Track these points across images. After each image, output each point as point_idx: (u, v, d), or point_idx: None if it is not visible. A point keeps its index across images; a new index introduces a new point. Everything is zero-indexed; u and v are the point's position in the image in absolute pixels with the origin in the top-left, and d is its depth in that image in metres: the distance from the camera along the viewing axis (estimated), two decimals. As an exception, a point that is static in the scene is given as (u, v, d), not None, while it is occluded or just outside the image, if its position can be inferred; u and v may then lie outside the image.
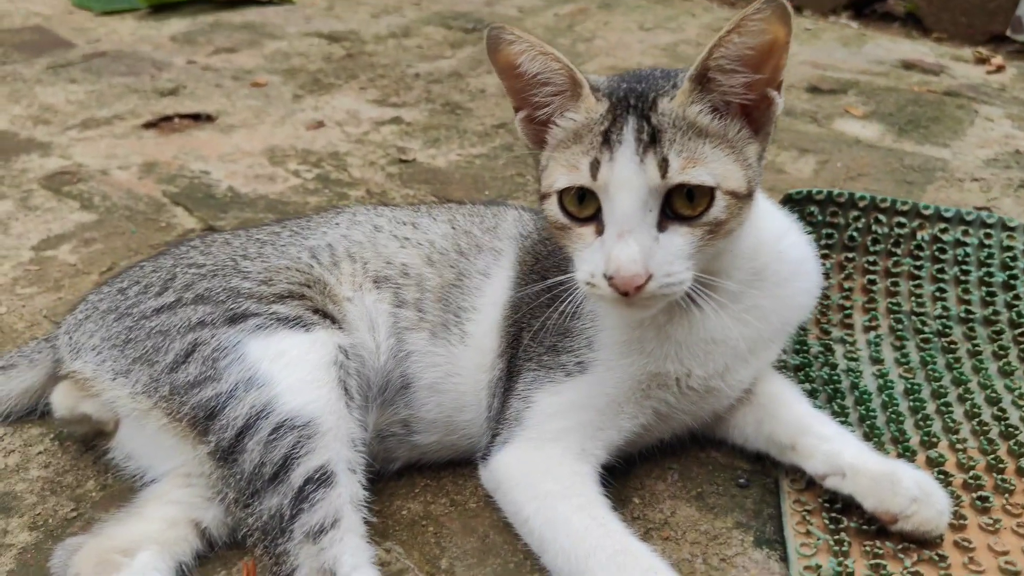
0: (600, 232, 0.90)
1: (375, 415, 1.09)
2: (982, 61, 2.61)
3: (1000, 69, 2.54)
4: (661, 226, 0.89)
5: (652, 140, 0.88)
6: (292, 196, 1.81)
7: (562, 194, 0.92)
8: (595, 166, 0.89)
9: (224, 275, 1.09)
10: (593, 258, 0.90)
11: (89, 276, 1.54)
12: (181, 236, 1.65)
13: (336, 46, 2.73)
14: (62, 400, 1.12)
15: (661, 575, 0.88)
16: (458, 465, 1.13)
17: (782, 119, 2.17)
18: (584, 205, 0.91)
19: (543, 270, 1.08)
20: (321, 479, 0.93)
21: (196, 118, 2.21)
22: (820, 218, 1.39)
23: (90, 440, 1.15)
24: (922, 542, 0.98)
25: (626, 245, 0.87)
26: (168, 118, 2.20)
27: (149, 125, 2.16)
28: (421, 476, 1.12)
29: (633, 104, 0.90)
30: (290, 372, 0.98)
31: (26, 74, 2.47)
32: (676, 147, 0.88)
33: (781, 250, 1.06)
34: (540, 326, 1.04)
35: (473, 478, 1.09)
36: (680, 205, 0.89)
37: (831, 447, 1.02)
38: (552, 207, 0.93)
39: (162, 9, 3.05)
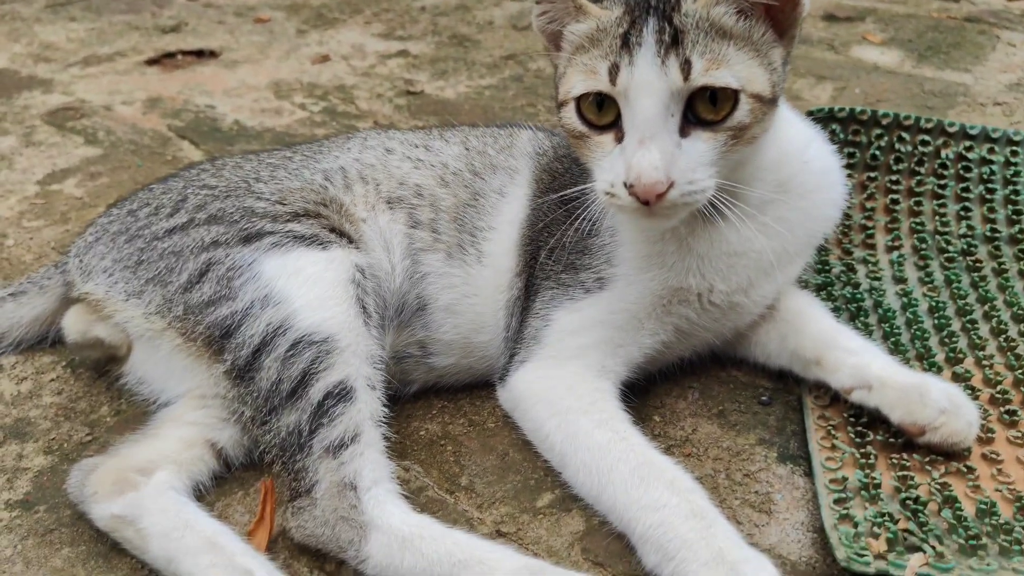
0: (620, 139, 0.87)
1: (391, 337, 1.07)
2: (1004, -13, 2.54)
3: (1022, -5, 2.47)
4: (683, 131, 0.86)
5: (674, 41, 0.84)
6: (299, 128, 1.78)
7: (580, 101, 0.89)
8: (614, 70, 0.85)
9: (237, 196, 1.07)
10: (613, 166, 0.87)
11: (95, 209, 1.51)
12: (187, 169, 1.62)
13: (340, -20, 2.67)
14: (74, 324, 1.10)
15: (684, 486, 0.86)
16: (475, 387, 1.12)
17: (798, 47, 2.11)
18: (603, 112, 0.88)
19: (560, 187, 1.06)
20: (340, 394, 0.92)
21: (199, 54, 2.17)
22: (842, 136, 1.36)
23: (102, 366, 1.14)
24: (950, 454, 0.96)
25: (647, 151, 0.84)
26: (171, 55, 2.16)
27: (152, 62, 2.13)
28: (438, 398, 1.11)
29: (654, 5, 0.86)
30: (307, 289, 0.96)
31: (24, 13, 2.42)
32: (699, 48, 0.85)
33: (806, 160, 1.03)
34: (558, 243, 1.02)
35: (491, 399, 1.08)
36: (703, 109, 0.86)
37: (858, 360, 1.00)
38: (570, 115, 0.91)
39: (161, -53, 2.98)
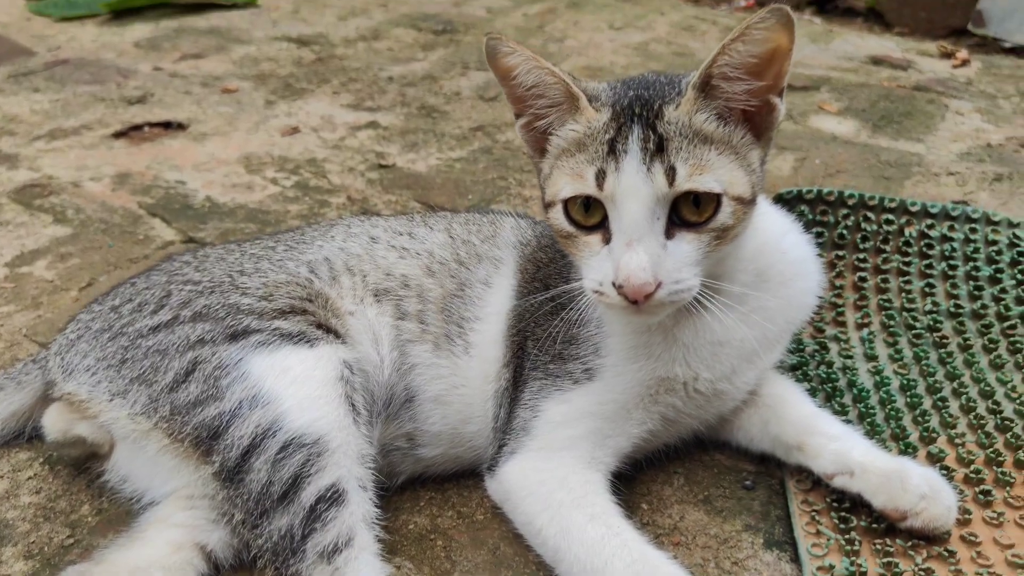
0: (607, 240, 0.90)
1: (379, 430, 1.07)
2: (947, 55, 2.65)
3: (965, 63, 2.58)
4: (668, 233, 0.89)
5: (659, 149, 0.88)
6: (272, 204, 1.78)
7: (567, 203, 0.92)
8: (601, 176, 0.89)
9: (222, 291, 1.06)
10: (601, 266, 0.90)
11: (68, 292, 1.50)
12: (160, 248, 1.62)
13: (306, 50, 2.69)
14: (55, 423, 1.08)
15: None
16: (462, 476, 1.12)
17: (758, 117, 2.19)
18: (590, 214, 0.91)
19: (545, 278, 1.08)
20: (333, 497, 0.92)
21: (167, 126, 2.17)
22: (810, 217, 1.40)
23: (82, 463, 1.12)
24: (930, 539, 0.99)
25: (635, 254, 0.87)
26: (138, 127, 2.16)
27: (119, 135, 2.12)
28: (425, 489, 1.11)
29: (638, 113, 0.90)
30: (296, 389, 0.96)
31: (-14, 83, 2.40)
32: (683, 155, 0.88)
33: (783, 250, 1.07)
34: (546, 335, 1.03)
35: (478, 489, 1.08)
36: (687, 212, 0.89)
37: (839, 446, 1.02)
38: (558, 216, 0.93)
39: (123, 14, 2.99)
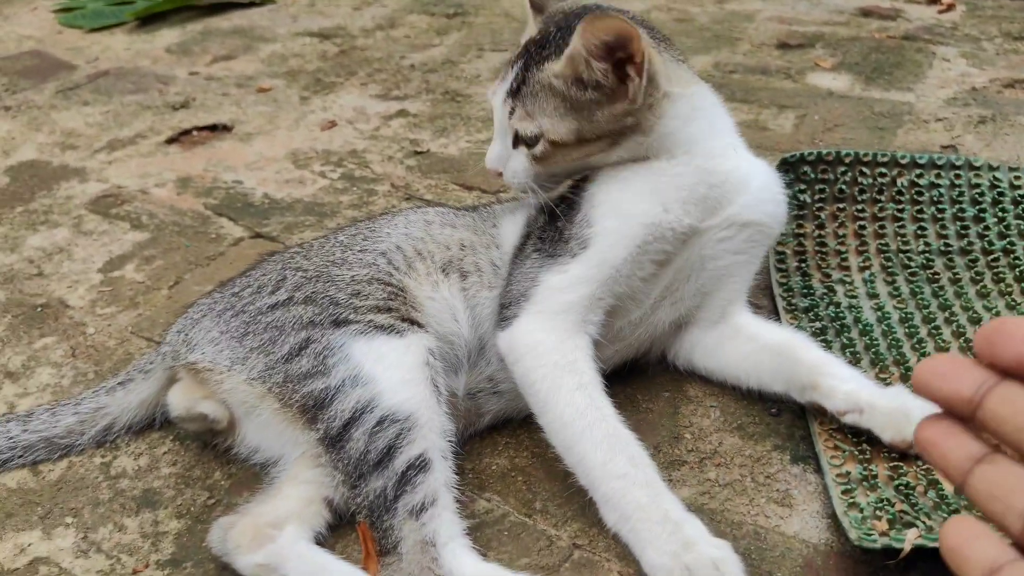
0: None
1: (464, 378, 1.28)
2: (933, 1, 2.80)
3: (950, 8, 2.73)
4: (515, 144, 1.24)
5: (517, 90, 1.20)
6: (325, 197, 1.97)
7: None
8: (496, 83, 1.27)
9: (323, 280, 1.26)
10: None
11: (159, 291, 1.69)
12: (232, 245, 1.81)
13: (328, 43, 2.86)
14: (179, 400, 1.28)
15: (642, 460, 1.09)
16: (531, 423, 1.31)
17: (759, 79, 2.36)
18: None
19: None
20: (420, 465, 1.11)
21: (213, 129, 2.35)
22: (812, 175, 1.58)
23: (207, 439, 1.32)
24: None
25: (492, 146, 1.28)
26: (187, 131, 2.34)
27: (171, 140, 2.30)
28: (501, 435, 1.31)
29: (530, 54, 1.21)
30: (391, 373, 1.15)
31: (38, 100, 2.58)
32: (524, 101, 1.19)
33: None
34: (545, 230, 1.29)
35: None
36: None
37: (849, 387, 1.18)
38: None
39: (149, 21, 3.15)
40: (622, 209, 1.22)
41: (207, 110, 2.46)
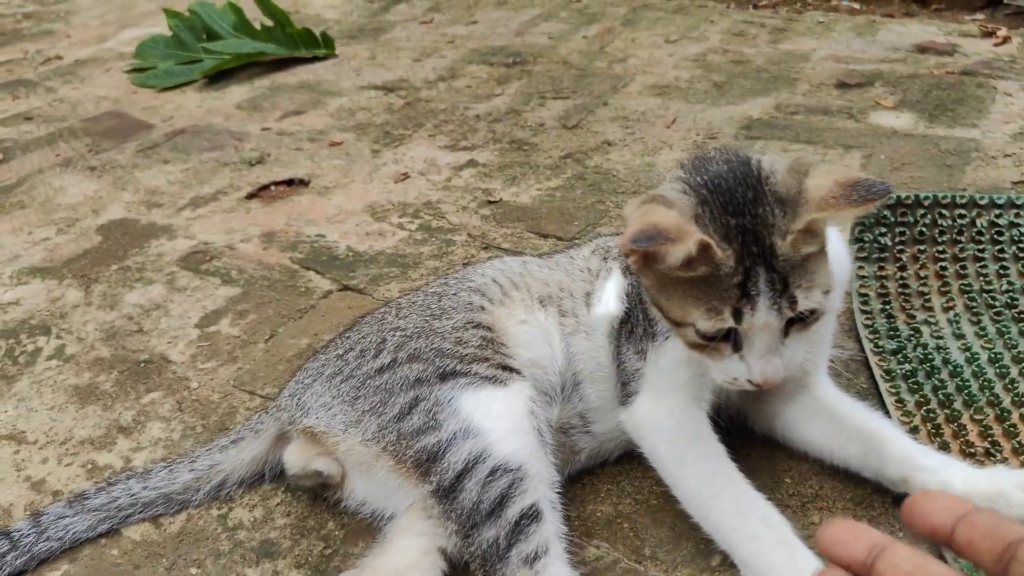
0: (735, 348, 1.08)
1: (557, 410, 1.32)
2: (988, 35, 2.82)
3: (1006, 40, 2.75)
4: (787, 331, 1.07)
5: (783, 286, 1.03)
6: (405, 248, 2.04)
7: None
8: (738, 315, 1.04)
9: (426, 336, 1.31)
10: (735, 368, 1.09)
11: (256, 345, 1.76)
12: (322, 298, 1.88)
13: (393, 96, 2.95)
14: (295, 459, 1.35)
15: (774, 520, 1.12)
16: (630, 467, 1.35)
17: (822, 119, 2.40)
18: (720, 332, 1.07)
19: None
20: (532, 515, 1.14)
21: (290, 183, 2.44)
22: (892, 219, 1.62)
23: (318, 492, 1.37)
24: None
25: (769, 363, 1.07)
26: (265, 187, 2.43)
27: (251, 196, 2.39)
28: (601, 482, 1.35)
29: (757, 253, 1.03)
30: (500, 424, 1.20)
31: (121, 160, 2.69)
32: (797, 282, 1.03)
33: None
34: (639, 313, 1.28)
35: (648, 477, 1.32)
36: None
37: (940, 479, 1.16)
38: (691, 334, 1.09)
39: (217, 78, 3.27)
40: None
41: (282, 165, 2.55)
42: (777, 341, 1.06)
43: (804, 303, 1.04)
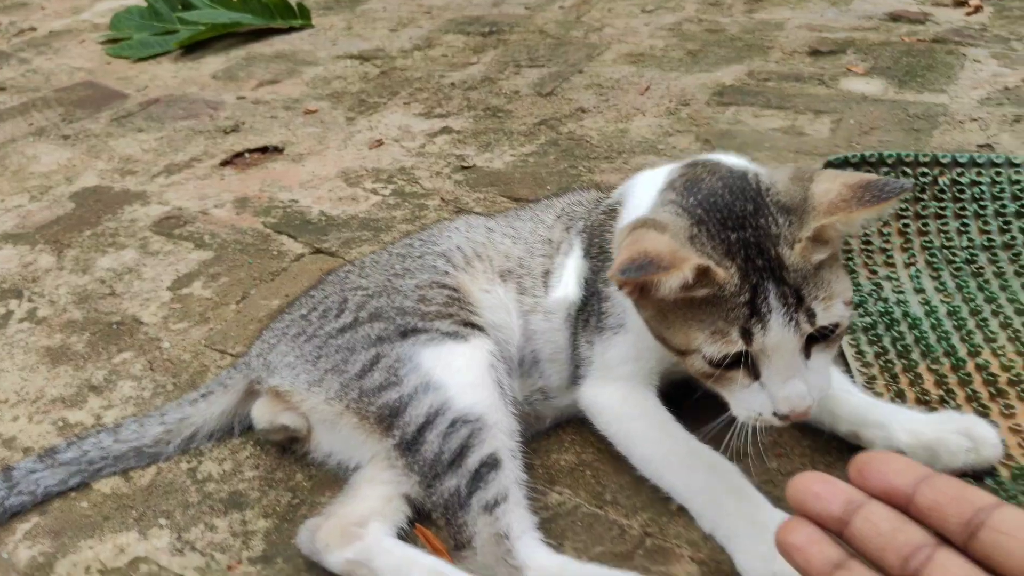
0: (753, 375, 1.00)
1: (518, 384, 1.34)
2: (960, 3, 2.84)
3: (978, 9, 2.77)
4: (806, 352, 0.99)
5: (797, 300, 0.95)
6: (378, 212, 2.05)
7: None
8: (747, 335, 0.96)
9: (388, 295, 1.33)
10: (755, 399, 1.00)
11: (228, 306, 1.77)
12: (294, 260, 1.89)
13: (369, 65, 2.94)
14: (262, 414, 1.36)
15: (723, 468, 1.14)
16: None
17: (793, 85, 2.41)
18: (729, 357, 0.99)
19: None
20: (492, 463, 1.16)
21: (264, 151, 2.44)
22: (855, 177, 1.63)
23: (286, 445, 1.39)
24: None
25: (793, 387, 0.97)
26: (239, 154, 2.43)
27: (225, 163, 2.39)
28: (566, 433, 1.37)
29: (763, 267, 0.96)
30: (459, 377, 1.22)
31: (95, 129, 2.68)
32: (813, 294, 0.96)
33: None
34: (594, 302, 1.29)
35: (611, 429, 1.34)
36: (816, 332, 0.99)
37: (886, 433, 1.18)
38: (699, 362, 1.01)
39: (193, 49, 3.25)
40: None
41: (257, 133, 2.55)
42: (798, 362, 0.97)
43: (824, 317, 0.96)
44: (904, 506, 0.71)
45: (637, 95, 2.49)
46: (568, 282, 1.33)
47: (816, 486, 0.73)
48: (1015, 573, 0.65)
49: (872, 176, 0.96)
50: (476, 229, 1.44)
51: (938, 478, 0.70)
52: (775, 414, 0.99)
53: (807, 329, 0.96)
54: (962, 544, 0.68)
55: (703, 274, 0.95)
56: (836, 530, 0.73)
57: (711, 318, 0.97)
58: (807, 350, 0.99)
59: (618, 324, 1.26)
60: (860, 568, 0.72)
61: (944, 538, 0.69)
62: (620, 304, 1.25)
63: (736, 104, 2.36)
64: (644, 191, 1.19)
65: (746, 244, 0.97)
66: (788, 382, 0.97)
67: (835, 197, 0.96)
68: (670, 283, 0.94)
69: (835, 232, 0.97)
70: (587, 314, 1.30)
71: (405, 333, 1.27)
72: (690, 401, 1.22)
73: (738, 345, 0.96)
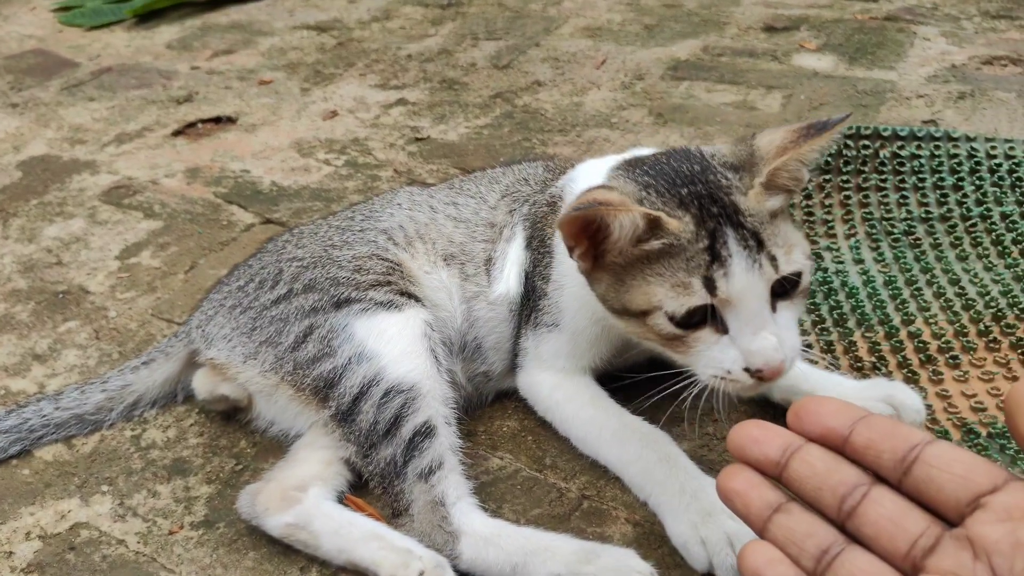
0: (721, 331, 0.98)
1: (461, 366, 1.35)
2: (914, -18, 2.87)
3: (931, -13, 2.80)
4: (773, 307, 0.98)
5: (758, 243, 0.95)
6: (330, 183, 2.04)
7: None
8: (710, 283, 0.95)
9: (323, 265, 1.32)
10: (725, 355, 0.97)
11: (176, 276, 1.76)
12: (244, 231, 1.88)
13: (326, 36, 2.92)
14: (202, 384, 1.37)
15: (654, 437, 1.18)
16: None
17: (747, 61, 2.43)
18: (694, 314, 0.97)
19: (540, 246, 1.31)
20: (426, 431, 1.17)
21: (217, 121, 2.41)
22: (799, 150, 1.66)
23: (232, 415, 1.39)
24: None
25: (765, 339, 0.94)
26: (192, 124, 2.40)
27: (177, 133, 2.36)
28: (510, 401, 1.39)
29: (719, 214, 0.96)
30: (392, 347, 1.22)
31: (44, 97, 2.64)
32: (773, 240, 0.96)
33: None
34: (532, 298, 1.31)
35: (553, 396, 1.36)
36: (779, 284, 0.98)
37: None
38: (661, 322, 0.99)
39: (148, 18, 3.20)
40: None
41: (210, 103, 2.52)
42: (767, 314, 0.96)
43: (787, 262, 0.96)
44: (840, 447, 0.72)
45: (593, 69, 2.50)
46: (509, 277, 1.34)
47: (754, 431, 0.74)
48: (947, 506, 0.66)
49: (814, 119, 1.01)
50: (419, 207, 1.42)
51: (874, 418, 0.71)
52: (747, 370, 0.96)
53: (771, 274, 0.95)
54: (897, 481, 0.70)
55: (655, 224, 0.96)
56: (775, 474, 0.74)
57: (670, 271, 0.97)
58: (772, 305, 0.97)
59: (553, 323, 1.28)
60: (798, 510, 0.73)
61: (880, 477, 0.71)
62: (556, 304, 1.27)
63: (690, 79, 2.37)
64: (587, 180, 1.20)
65: (699, 196, 0.98)
66: (758, 334, 0.94)
67: (781, 141, 1.00)
68: (622, 222, 0.95)
69: (787, 175, 0.99)
70: (528, 309, 1.32)
71: (339, 304, 1.26)
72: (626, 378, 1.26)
73: (701, 295, 0.95)
